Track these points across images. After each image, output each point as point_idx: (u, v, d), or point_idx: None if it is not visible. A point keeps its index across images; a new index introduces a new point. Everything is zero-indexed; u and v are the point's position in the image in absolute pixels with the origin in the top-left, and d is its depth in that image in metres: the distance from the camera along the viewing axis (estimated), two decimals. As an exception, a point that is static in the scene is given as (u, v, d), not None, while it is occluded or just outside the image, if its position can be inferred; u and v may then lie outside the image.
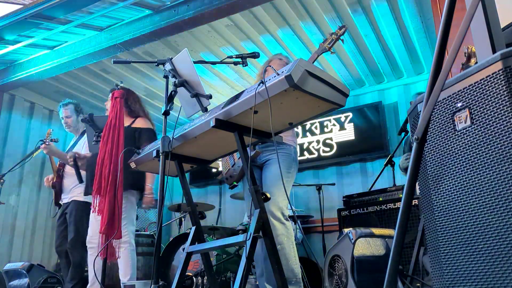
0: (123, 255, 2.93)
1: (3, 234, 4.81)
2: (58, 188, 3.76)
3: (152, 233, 4.60)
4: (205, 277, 3.25)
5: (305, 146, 5.37)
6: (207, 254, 2.22)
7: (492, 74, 1.06)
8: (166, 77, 2.16)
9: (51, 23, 3.94)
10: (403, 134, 3.63)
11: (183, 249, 2.11)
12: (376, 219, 3.38)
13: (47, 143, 3.61)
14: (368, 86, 5.43)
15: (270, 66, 2.31)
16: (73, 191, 3.61)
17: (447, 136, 1.18)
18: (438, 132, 1.21)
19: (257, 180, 2.60)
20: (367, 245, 2.37)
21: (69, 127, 3.91)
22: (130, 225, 3.04)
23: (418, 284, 2.19)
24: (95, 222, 3.01)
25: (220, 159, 2.48)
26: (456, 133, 1.15)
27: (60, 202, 3.73)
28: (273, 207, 2.37)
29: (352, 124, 5.21)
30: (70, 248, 3.44)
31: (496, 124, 1.05)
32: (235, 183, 2.72)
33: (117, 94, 2.78)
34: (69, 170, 3.72)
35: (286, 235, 2.35)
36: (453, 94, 1.17)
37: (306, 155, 5.31)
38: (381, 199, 3.50)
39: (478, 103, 1.10)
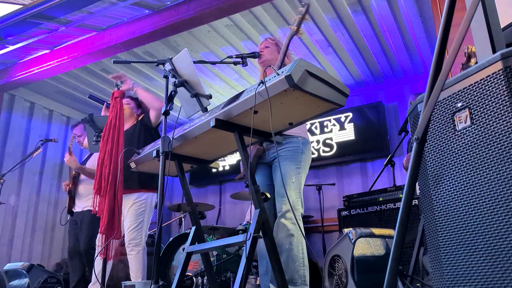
0: (137, 258, 2.99)
1: (3, 234, 4.81)
2: (73, 195, 3.80)
3: (152, 233, 4.60)
4: (205, 277, 3.25)
5: (305, 146, 5.36)
6: (207, 254, 2.22)
7: (492, 74, 1.06)
8: (166, 77, 2.16)
9: (51, 23, 3.94)
10: (403, 134, 3.63)
11: (183, 249, 2.10)
12: (376, 219, 3.37)
13: (70, 154, 3.66)
14: (368, 86, 5.43)
15: (271, 66, 2.31)
16: (89, 201, 3.63)
17: (447, 136, 1.18)
18: (438, 132, 1.21)
19: (268, 178, 2.53)
20: (367, 245, 2.37)
21: (81, 145, 4.03)
22: (146, 229, 3.12)
23: (418, 284, 2.19)
24: None
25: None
26: (456, 133, 1.15)
27: (72, 209, 3.77)
28: (285, 207, 2.33)
29: (352, 124, 5.21)
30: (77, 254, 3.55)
31: (496, 124, 1.05)
32: None
33: (117, 94, 2.78)
34: (84, 177, 3.75)
35: (296, 236, 2.29)
36: (453, 94, 1.17)
37: (306, 155, 5.31)
38: (381, 199, 3.50)
39: (478, 103, 1.10)
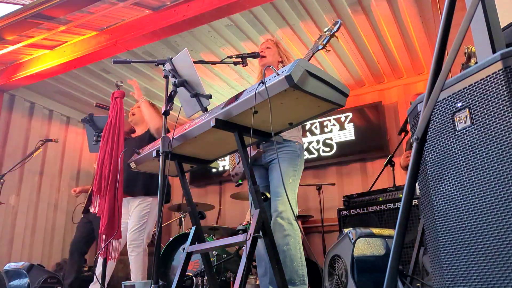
0: (137, 260, 3.00)
1: (3, 234, 4.81)
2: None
3: (152, 233, 4.60)
4: (205, 277, 3.25)
5: (305, 146, 5.36)
6: (207, 254, 2.22)
7: (492, 74, 1.06)
8: (166, 77, 2.16)
9: (51, 23, 3.94)
10: (403, 134, 3.63)
11: (183, 249, 2.11)
12: (376, 219, 3.37)
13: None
14: (368, 86, 5.42)
15: (271, 66, 2.30)
16: None
17: (447, 136, 1.18)
18: (438, 132, 1.21)
19: (264, 180, 2.55)
20: (367, 245, 2.37)
21: None
22: (149, 231, 3.14)
23: (418, 284, 2.19)
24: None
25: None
26: (456, 133, 1.15)
27: (89, 208, 3.81)
28: (282, 207, 2.35)
29: (352, 124, 5.21)
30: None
31: (496, 124, 1.05)
32: (240, 181, 2.70)
33: (117, 94, 2.78)
34: None
35: (293, 236, 2.31)
36: (453, 94, 1.17)
37: (306, 155, 5.31)
38: (381, 199, 3.50)
39: (478, 103, 1.10)
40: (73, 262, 3.65)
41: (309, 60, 2.45)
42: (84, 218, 3.84)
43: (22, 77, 4.58)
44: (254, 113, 1.74)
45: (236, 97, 1.80)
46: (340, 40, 4.37)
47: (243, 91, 1.79)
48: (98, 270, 2.96)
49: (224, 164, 5.92)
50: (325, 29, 2.46)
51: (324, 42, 2.42)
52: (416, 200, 2.94)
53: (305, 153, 5.33)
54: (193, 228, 2.16)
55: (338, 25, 2.42)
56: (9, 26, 3.88)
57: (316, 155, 5.29)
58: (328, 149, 5.26)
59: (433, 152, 1.22)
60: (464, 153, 1.12)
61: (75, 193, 4.04)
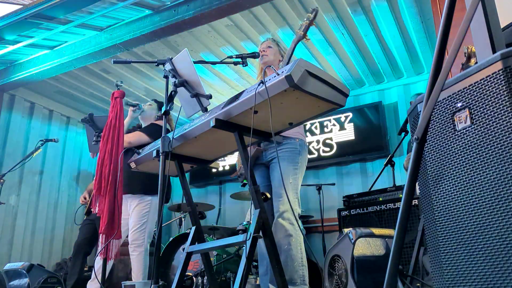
0: (138, 259, 3.01)
1: (3, 234, 4.81)
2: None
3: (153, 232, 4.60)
4: (205, 277, 3.25)
5: (305, 146, 5.36)
6: (207, 254, 2.22)
7: (492, 74, 1.06)
8: (166, 77, 2.16)
9: (51, 23, 3.94)
10: (403, 134, 3.63)
11: (183, 249, 2.11)
12: (376, 219, 3.37)
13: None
14: (368, 86, 5.42)
15: (271, 66, 2.30)
16: None
17: (447, 136, 1.18)
18: (438, 132, 1.21)
19: (265, 179, 2.55)
20: (367, 245, 2.37)
21: None
22: (150, 230, 3.15)
23: (418, 284, 2.19)
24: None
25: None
26: (456, 133, 1.15)
27: (92, 209, 3.82)
28: (283, 207, 2.34)
29: (352, 124, 5.21)
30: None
31: (496, 124, 1.05)
32: (245, 181, 2.71)
33: (117, 94, 2.78)
34: None
35: (294, 236, 2.31)
36: (453, 94, 1.17)
37: (306, 155, 5.30)
38: (381, 199, 3.50)
39: (478, 103, 1.10)
40: (77, 263, 3.64)
41: (292, 52, 2.46)
42: (86, 219, 3.85)
43: (22, 77, 4.58)
44: (254, 113, 1.74)
45: (236, 97, 1.80)
46: (340, 40, 4.40)
47: (243, 91, 1.79)
48: (96, 268, 2.98)
49: (224, 164, 5.92)
50: (305, 18, 2.50)
51: (304, 31, 2.45)
52: (416, 200, 2.95)
53: (305, 153, 5.33)
54: (193, 228, 2.16)
55: (314, 12, 2.47)
56: (9, 26, 3.87)
57: (316, 155, 5.29)
58: (328, 149, 5.26)
59: (433, 152, 1.22)
60: (464, 153, 1.12)
61: (85, 201, 4.02)
